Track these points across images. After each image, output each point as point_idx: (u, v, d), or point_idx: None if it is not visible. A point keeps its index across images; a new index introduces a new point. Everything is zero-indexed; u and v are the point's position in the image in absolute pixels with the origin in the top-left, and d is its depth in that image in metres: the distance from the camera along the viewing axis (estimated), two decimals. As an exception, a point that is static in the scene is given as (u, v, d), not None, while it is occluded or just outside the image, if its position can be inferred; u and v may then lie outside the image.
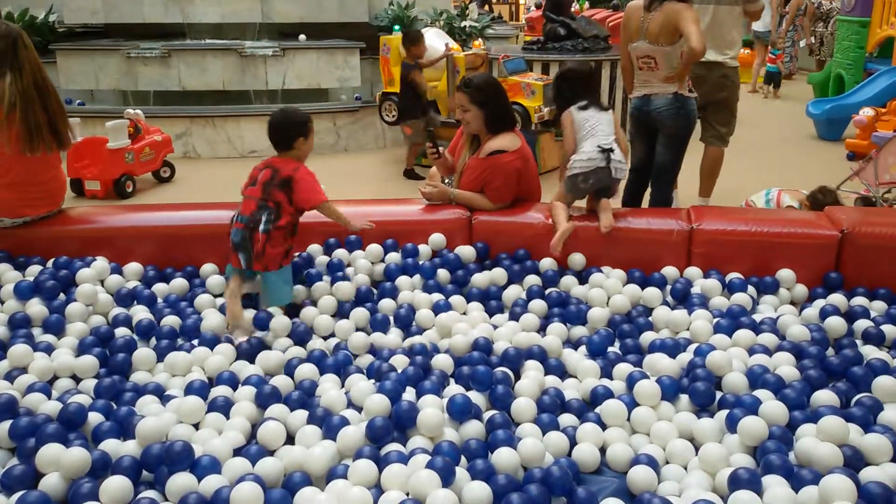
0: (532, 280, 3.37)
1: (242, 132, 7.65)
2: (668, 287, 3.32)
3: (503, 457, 2.18)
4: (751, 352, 2.78)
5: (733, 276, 3.32)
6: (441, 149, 3.75)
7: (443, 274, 3.39)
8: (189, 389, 2.60)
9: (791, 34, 12.12)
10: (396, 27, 8.32)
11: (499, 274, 3.39)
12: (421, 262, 3.44)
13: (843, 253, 3.30)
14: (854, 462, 2.14)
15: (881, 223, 3.32)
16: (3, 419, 2.36)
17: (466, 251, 3.47)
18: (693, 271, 3.37)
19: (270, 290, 3.12)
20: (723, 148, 5.16)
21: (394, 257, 3.46)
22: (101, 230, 3.59)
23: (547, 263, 3.43)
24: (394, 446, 2.28)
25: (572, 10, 8.77)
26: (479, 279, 3.36)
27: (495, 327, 3.02)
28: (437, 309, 3.16)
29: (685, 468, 2.26)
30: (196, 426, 2.42)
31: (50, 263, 3.38)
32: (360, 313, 3.12)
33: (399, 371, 2.69)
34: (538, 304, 3.18)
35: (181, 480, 2.10)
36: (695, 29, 3.89)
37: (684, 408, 2.53)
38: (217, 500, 2.03)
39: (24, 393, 2.56)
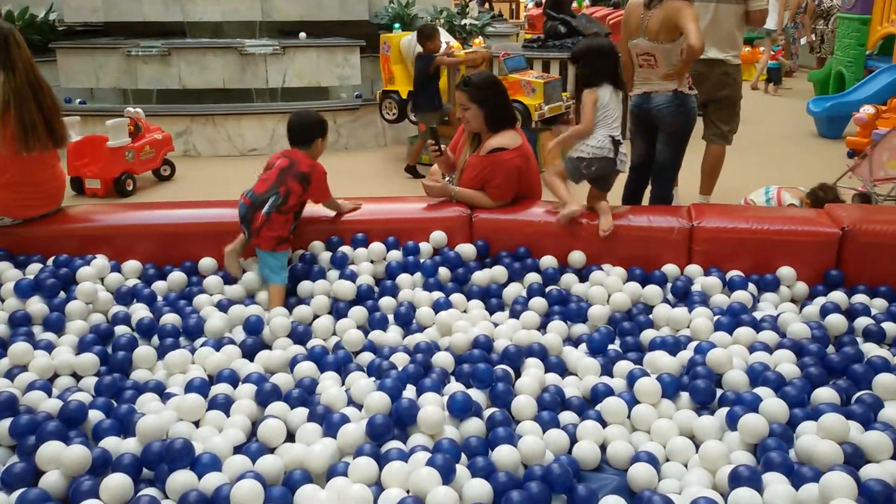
0: (532, 278, 3.37)
1: (243, 130, 7.65)
2: (669, 285, 3.32)
3: (503, 454, 2.18)
4: (751, 349, 2.79)
5: (734, 273, 3.32)
6: (443, 146, 3.75)
7: (443, 272, 3.39)
8: (189, 387, 2.60)
9: (792, 31, 12.13)
10: (397, 25, 8.31)
11: (499, 272, 3.38)
12: (422, 260, 3.44)
13: (843, 250, 3.29)
14: (854, 459, 2.14)
15: (882, 221, 3.32)
16: (4, 417, 2.37)
17: (467, 249, 3.47)
18: (694, 269, 3.37)
19: (263, 267, 3.33)
20: (724, 146, 5.15)
21: (395, 255, 3.46)
22: (101, 228, 3.59)
23: (547, 261, 3.43)
24: (394, 444, 2.28)
25: (572, 7, 8.76)
26: (480, 277, 3.36)
27: (496, 325, 3.02)
28: (437, 307, 3.16)
29: (686, 466, 2.26)
30: (196, 424, 2.42)
31: (50, 261, 3.38)
32: (361, 312, 3.13)
33: (399, 369, 2.69)
34: (539, 302, 3.18)
35: (181, 478, 2.10)
36: (694, 27, 3.88)
37: (685, 405, 2.53)
38: (217, 498, 2.03)
39: (24, 391, 2.56)
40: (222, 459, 2.19)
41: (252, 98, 8.24)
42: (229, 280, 3.40)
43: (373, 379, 2.63)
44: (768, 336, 2.85)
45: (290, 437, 2.37)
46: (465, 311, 3.17)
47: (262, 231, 3.25)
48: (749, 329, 2.89)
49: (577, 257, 3.44)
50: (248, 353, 2.88)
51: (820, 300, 3.14)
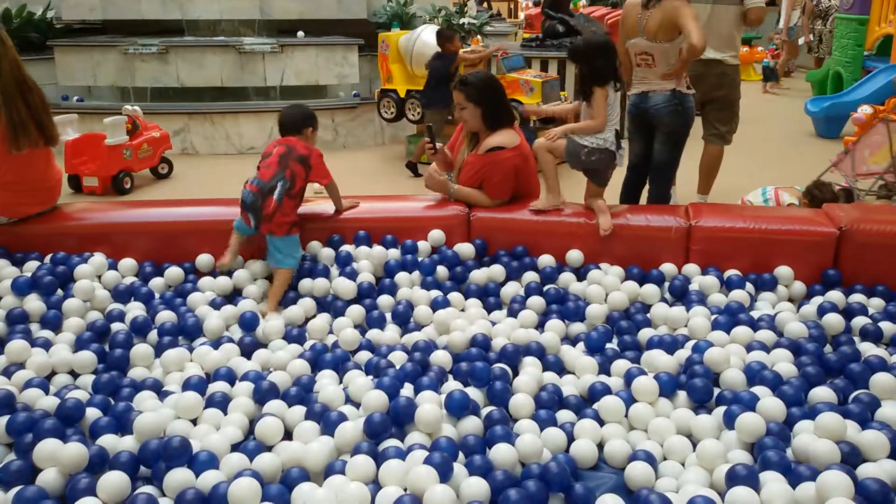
0: (530, 277, 3.37)
1: (241, 129, 7.64)
2: (667, 284, 3.32)
3: (501, 453, 2.18)
4: (749, 348, 2.79)
5: (731, 272, 3.32)
6: (439, 145, 3.75)
7: (441, 270, 3.39)
8: (187, 385, 2.60)
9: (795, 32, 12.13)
10: (395, 24, 8.30)
11: (497, 270, 3.39)
12: (420, 259, 3.44)
13: (841, 250, 3.30)
14: (851, 458, 2.14)
15: (879, 220, 3.33)
16: (1, 414, 2.36)
17: (465, 248, 3.47)
18: (691, 268, 3.38)
19: (275, 252, 3.33)
20: (723, 146, 5.15)
21: (393, 253, 3.46)
22: (99, 226, 3.58)
23: (545, 260, 3.43)
24: (392, 442, 2.28)
25: (571, 7, 8.77)
26: (478, 276, 3.36)
27: (493, 324, 3.03)
28: (435, 305, 3.16)
29: (683, 464, 2.26)
30: (194, 422, 2.42)
31: (48, 259, 3.38)
32: (358, 310, 3.13)
33: (397, 367, 2.69)
34: (536, 301, 3.18)
35: (179, 476, 2.10)
36: (695, 25, 3.88)
37: (682, 404, 2.54)
38: (215, 496, 2.03)
39: (21, 388, 2.56)
40: (219, 457, 2.19)
41: (250, 96, 8.23)
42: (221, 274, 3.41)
43: (370, 377, 2.63)
44: (766, 335, 2.86)
45: (288, 436, 2.37)
46: (462, 310, 3.18)
47: (275, 217, 3.26)
48: (746, 328, 2.89)
49: (575, 256, 3.44)
50: (246, 351, 2.88)
51: (817, 299, 3.14)
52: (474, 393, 2.53)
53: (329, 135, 7.77)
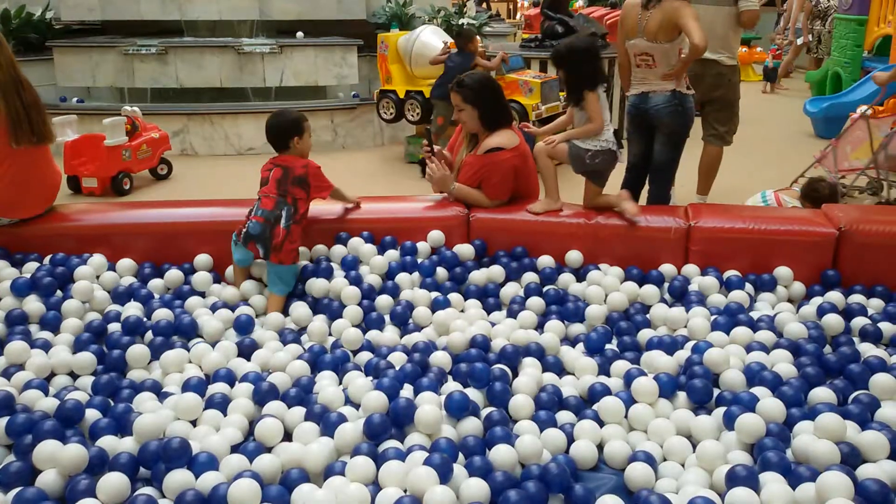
0: (530, 277, 3.37)
1: (240, 129, 7.64)
2: (666, 284, 3.32)
3: (501, 454, 2.18)
4: (748, 349, 2.79)
5: (731, 273, 3.32)
6: (437, 148, 3.75)
7: (441, 271, 3.39)
8: (186, 386, 2.60)
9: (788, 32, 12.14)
10: (394, 25, 8.30)
11: (497, 271, 3.38)
12: (420, 260, 3.44)
13: (840, 250, 3.30)
14: (851, 459, 2.14)
15: (879, 221, 3.33)
16: (1, 416, 2.36)
17: (464, 249, 3.47)
18: (691, 269, 3.38)
19: (277, 280, 3.29)
20: (722, 147, 5.15)
21: (392, 255, 3.46)
22: (98, 227, 3.58)
23: (545, 261, 3.43)
24: (391, 443, 2.28)
25: (570, 7, 8.77)
26: (477, 276, 3.36)
27: (493, 324, 3.03)
28: (435, 306, 3.16)
29: (683, 465, 2.26)
30: (193, 423, 2.42)
31: (47, 260, 3.37)
32: (357, 311, 3.13)
33: (397, 368, 2.68)
34: (536, 302, 3.18)
35: (178, 477, 2.10)
36: (696, 25, 3.88)
37: (682, 405, 2.54)
38: (214, 497, 2.03)
39: (21, 390, 2.55)
40: (219, 458, 2.19)
41: (249, 97, 8.23)
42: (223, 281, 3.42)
43: (370, 378, 2.63)
44: (765, 336, 2.86)
45: (288, 437, 2.37)
46: (462, 311, 3.17)
47: (284, 245, 3.24)
48: (746, 329, 2.89)
49: (574, 257, 3.44)
50: (245, 352, 2.88)
51: (817, 300, 3.14)
52: (474, 394, 2.53)
53: (328, 135, 7.77)
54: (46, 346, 2.85)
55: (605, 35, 8.11)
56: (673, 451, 2.30)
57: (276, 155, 3.39)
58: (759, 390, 2.49)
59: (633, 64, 4.29)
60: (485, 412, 2.45)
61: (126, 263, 3.43)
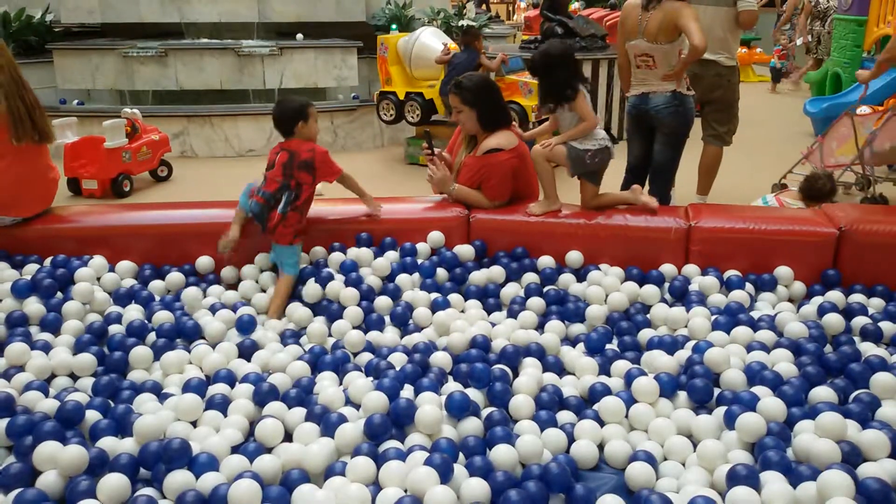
0: (530, 278, 3.37)
1: (240, 131, 7.64)
2: (666, 284, 3.32)
3: (501, 454, 2.18)
4: (749, 349, 2.79)
5: (731, 273, 3.32)
6: (437, 150, 3.75)
7: (441, 272, 3.39)
8: (187, 387, 2.60)
9: (789, 33, 12.15)
10: (394, 26, 8.31)
11: (497, 272, 3.38)
12: (420, 261, 3.44)
13: (840, 250, 3.30)
14: (852, 458, 2.14)
15: (878, 221, 3.33)
16: (1, 417, 2.36)
17: (465, 249, 3.47)
18: (691, 269, 3.37)
19: (279, 259, 3.40)
20: (722, 147, 5.16)
21: (392, 256, 3.46)
22: (98, 229, 3.58)
23: (545, 261, 3.43)
24: (392, 443, 2.28)
25: (570, 9, 8.78)
26: (478, 277, 3.36)
27: (493, 325, 3.02)
28: (435, 307, 3.16)
29: (683, 465, 2.26)
30: (194, 424, 2.42)
31: (47, 262, 3.37)
32: (358, 312, 3.13)
33: (397, 369, 2.68)
34: (536, 302, 3.18)
35: (179, 478, 2.10)
36: (696, 26, 3.88)
37: (682, 404, 2.54)
38: (215, 498, 2.02)
39: (21, 391, 2.55)
40: (220, 459, 2.19)
41: (249, 99, 8.23)
42: (224, 281, 3.42)
43: (371, 379, 2.62)
44: (766, 335, 2.86)
45: (288, 437, 2.37)
46: (462, 311, 3.17)
47: (278, 229, 3.34)
48: (746, 328, 2.89)
49: (574, 257, 3.44)
50: (246, 353, 2.88)
51: (817, 300, 3.14)
52: (474, 394, 2.53)
53: (328, 137, 7.77)
54: (47, 348, 2.85)
55: (604, 36, 8.12)
56: (673, 451, 2.30)
57: (284, 140, 3.45)
58: (759, 390, 2.49)
59: (634, 65, 4.29)
60: (485, 412, 2.45)
61: (126, 265, 3.43)
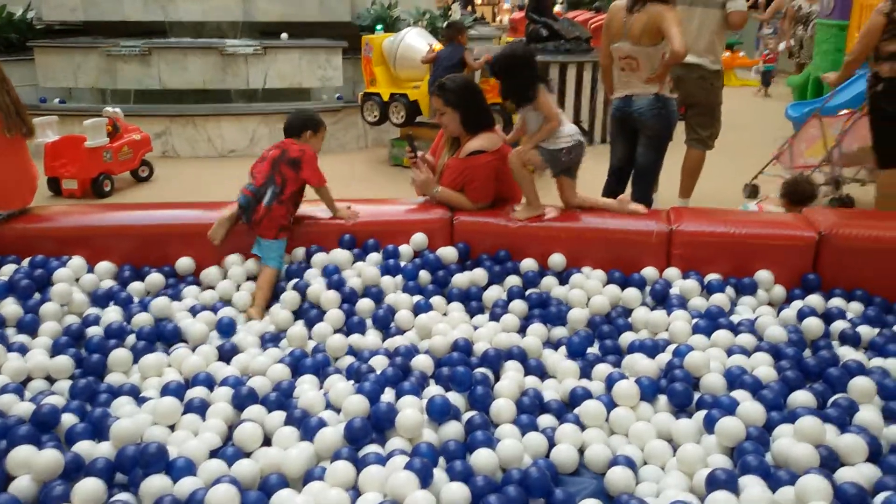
0: (512, 281, 3.37)
1: (223, 131, 7.60)
2: (648, 288, 3.33)
3: (482, 458, 2.18)
4: (729, 352, 2.80)
5: (712, 277, 3.33)
6: (420, 153, 3.75)
7: (424, 274, 3.38)
8: (165, 390, 2.57)
9: (768, 37, 12.25)
10: (379, 27, 8.30)
11: (480, 274, 3.38)
12: (402, 263, 3.43)
13: (820, 255, 3.32)
14: (830, 462, 2.15)
15: (858, 225, 3.35)
16: (-25, 421, 2.32)
17: (447, 252, 3.47)
18: (672, 272, 3.38)
19: (262, 253, 3.41)
20: (704, 151, 5.18)
21: (375, 258, 3.44)
22: (78, 229, 3.54)
23: (528, 264, 3.43)
24: (372, 448, 2.26)
25: (555, 11, 8.80)
26: (460, 279, 3.35)
27: (475, 328, 3.02)
28: (417, 309, 3.15)
29: (663, 469, 2.26)
30: (172, 428, 2.39)
31: (25, 262, 3.33)
32: (339, 315, 3.11)
33: (378, 372, 2.67)
34: (518, 305, 3.18)
35: (156, 482, 2.07)
36: (677, 31, 3.89)
37: (663, 408, 2.54)
38: (192, 503, 2.00)
39: (-4, 394, 2.52)
40: (197, 464, 2.17)
41: (232, 99, 8.20)
42: (204, 283, 3.39)
43: (351, 382, 2.61)
44: (746, 339, 2.87)
45: (267, 441, 2.35)
46: (445, 314, 3.16)
47: (263, 222, 3.36)
48: (727, 332, 2.90)
49: (557, 260, 3.44)
50: (225, 356, 2.85)
51: (797, 304, 3.15)
52: (455, 398, 2.52)
53: (312, 137, 7.74)
54: (23, 350, 2.82)
55: (589, 39, 8.14)
56: (653, 455, 2.30)
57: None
58: (739, 394, 2.50)
59: (618, 67, 4.30)
60: (466, 416, 2.44)
61: (105, 266, 3.40)
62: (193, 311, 3.16)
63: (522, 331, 3.04)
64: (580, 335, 3.00)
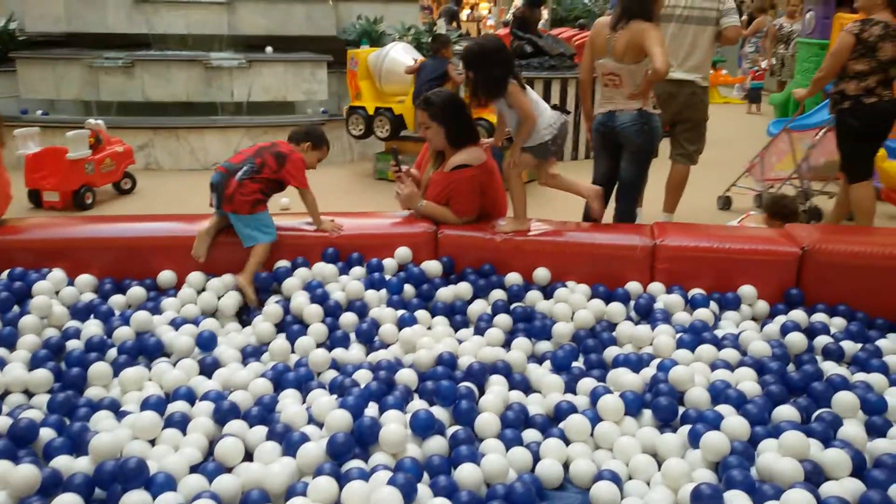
0: (497, 295, 3.36)
1: (206, 144, 7.56)
2: (632, 302, 3.33)
3: (466, 473, 2.16)
4: (713, 367, 2.80)
5: (696, 291, 3.34)
6: (405, 167, 3.74)
7: (408, 288, 3.36)
8: (145, 405, 2.53)
9: (753, 55, 12.38)
10: (364, 41, 8.30)
11: (464, 288, 3.37)
12: (387, 277, 3.41)
13: (803, 270, 3.34)
14: (814, 477, 2.16)
15: (841, 241, 3.38)
16: (-50, 436, 2.28)
17: (432, 266, 3.45)
18: (656, 287, 3.39)
19: (246, 232, 3.39)
20: (689, 166, 5.22)
21: (358, 272, 3.43)
22: (58, 241, 3.51)
23: (512, 278, 3.43)
24: (355, 463, 2.24)
25: (539, 28, 8.84)
26: (445, 293, 3.35)
27: (460, 342, 3.01)
28: (401, 323, 3.13)
29: (648, 484, 2.26)
30: (152, 442, 2.36)
31: (4, 275, 3.29)
32: (322, 329, 3.09)
33: (362, 386, 2.65)
34: (503, 319, 3.17)
35: (135, 498, 2.04)
36: (660, 50, 3.92)
37: (647, 423, 2.53)
38: (172, 519, 1.97)
39: (-28, 409, 2.48)
40: (178, 479, 2.14)
41: (217, 111, 8.16)
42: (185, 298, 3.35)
43: (334, 396, 2.59)
44: (730, 354, 2.87)
45: (249, 457, 2.32)
46: (429, 328, 3.15)
47: (235, 197, 3.32)
48: (711, 347, 2.90)
49: (541, 274, 3.44)
50: (206, 370, 2.82)
51: (780, 319, 3.17)
52: (440, 412, 2.50)
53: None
54: (1, 363, 2.77)
55: (573, 55, 8.19)
56: (638, 470, 2.29)
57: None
58: (723, 408, 2.50)
59: (601, 83, 4.32)
60: (450, 431, 2.43)
61: (86, 279, 3.36)
62: (175, 325, 3.12)
63: (507, 345, 3.03)
64: (565, 349, 2.99)
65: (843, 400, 2.52)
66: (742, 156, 8.24)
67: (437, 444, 2.35)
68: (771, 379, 2.70)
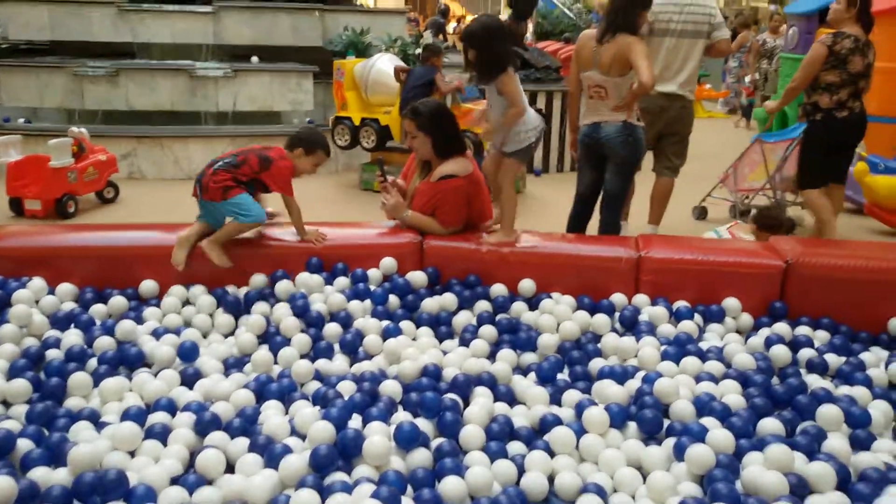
0: (483, 306, 3.35)
1: (190, 153, 7.52)
2: (617, 314, 3.33)
3: (450, 486, 2.14)
4: (698, 379, 2.80)
5: (680, 304, 3.34)
6: (391, 178, 3.73)
7: (393, 299, 3.35)
8: (125, 415, 2.50)
9: (736, 70, 12.50)
10: (350, 52, 8.30)
11: (449, 299, 3.36)
12: (372, 288, 3.39)
13: (787, 283, 3.35)
14: (799, 490, 2.15)
15: (824, 254, 3.39)
16: (-76, 447, 2.24)
17: (417, 276, 3.44)
18: (641, 298, 3.39)
19: (218, 222, 3.41)
20: (674, 178, 5.24)
21: (343, 282, 3.41)
22: (38, 250, 3.47)
23: (497, 289, 3.42)
24: (338, 475, 2.22)
25: (525, 41, 8.89)
26: (430, 304, 3.33)
27: (445, 353, 2.99)
28: (386, 334, 3.11)
29: (633, 497, 2.24)
30: (132, 454, 2.33)
31: (-17, 284, 3.24)
32: (306, 339, 3.06)
33: (346, 398, 2.62)
34: (488, 330, 3.16)
35: (114, 511, 2.01)
36: (646, 64, 3.94)
37: (632, 435, 2.52)
38: (151, 532, 1.94)
39: (-52, 419, 2.43)
40: (158, 491, 2.11)
41: (201, 121, 8.13)
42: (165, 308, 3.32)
43: (317, 408, 2.56)
44: (714, 366, 2.87)
45: (230, 469, 2.29)
46: (414, 339, 3.13)
47: (209, 185, 3.32)
48: (695, 359, 2.90)
49: (527, 286, 3.43)
50: (188, 381, 2.79)
51: (764, 331, 3.18)
52: (424, 424, 2.48)
53: (282, 161, 7.70)
54: (-22, 374, 2.73)
55: (559, 68, 8.23)
56: (623, 483, 2.28)
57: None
58: (708, 421, 2.49)
59: (587, 95, 4.34)
60: (435, 443, 2.41)
61: (66, 288, 3.32)
62: (156, 335, 3.09)
63: (492, 356, 3.02)
64: (550, 361, 2.98)
65: (828, 413, 2.52)
66: (724, 166, 8.32)
67: (421, 457, 2.32)
68: (755, 392, 2.70)
